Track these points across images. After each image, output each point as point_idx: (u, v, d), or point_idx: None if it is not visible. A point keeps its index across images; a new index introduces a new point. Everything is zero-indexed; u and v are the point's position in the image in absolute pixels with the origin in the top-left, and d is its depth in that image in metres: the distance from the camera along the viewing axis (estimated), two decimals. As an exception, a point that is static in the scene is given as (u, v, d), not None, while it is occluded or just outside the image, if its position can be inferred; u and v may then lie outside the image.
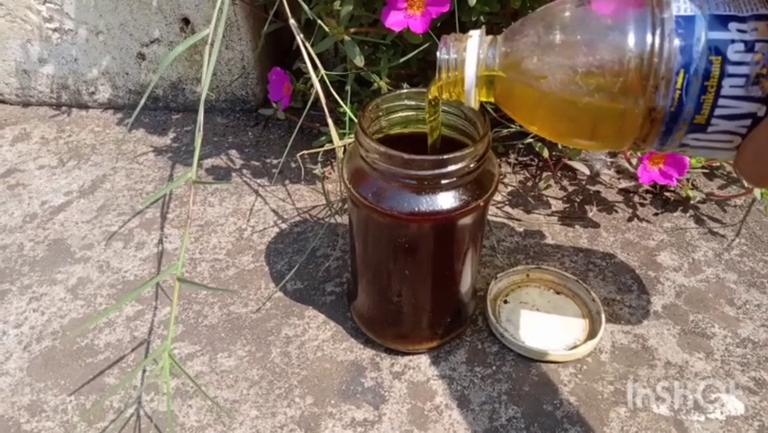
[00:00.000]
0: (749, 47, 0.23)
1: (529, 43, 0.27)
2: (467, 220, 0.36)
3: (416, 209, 0.34)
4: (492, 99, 0.30)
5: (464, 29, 0.43)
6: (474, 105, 0.31)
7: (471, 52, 0.29)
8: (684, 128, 0.25)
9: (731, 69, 0.23)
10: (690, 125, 0.25)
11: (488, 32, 0.31)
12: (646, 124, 0.26)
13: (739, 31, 0.23)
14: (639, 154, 0.51)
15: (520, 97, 0.29)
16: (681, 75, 0.24)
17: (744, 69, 0.23)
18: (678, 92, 0.24)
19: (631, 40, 0.25)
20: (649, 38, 0.24)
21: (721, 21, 0.24)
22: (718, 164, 0.58)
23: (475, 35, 0.29)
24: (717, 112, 0.24)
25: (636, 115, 0.25)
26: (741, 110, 0.24)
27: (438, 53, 0.30)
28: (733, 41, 0.23)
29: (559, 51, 0.26)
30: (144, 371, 0.42)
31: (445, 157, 0.33)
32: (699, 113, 0.25)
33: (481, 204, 0.35)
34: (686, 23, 0.24)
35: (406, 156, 0.33)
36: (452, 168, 0.33)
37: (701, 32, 0.24)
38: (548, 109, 0.28)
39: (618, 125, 0.26)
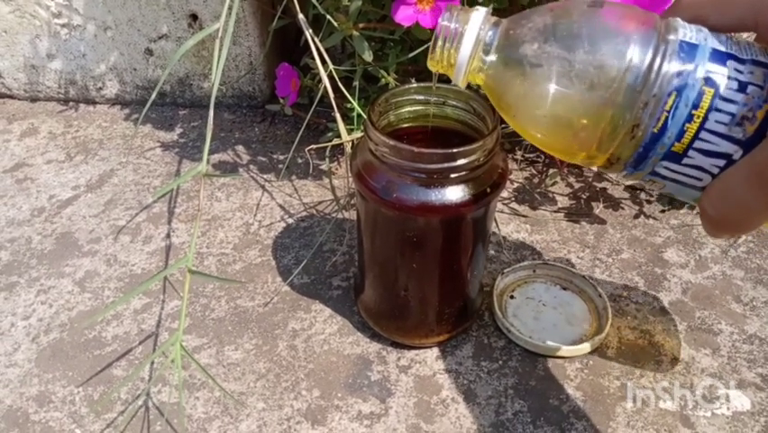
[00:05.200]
0: (742, 87, 0.24)
1: (533, 30, 0.27)
2: (475, 214, 0.36)
3: (425, 202, 0.34)
4: (481, 81, 0.30)
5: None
6: (462, 83, 0.30)
7: (473, 27, 0.28)
8: (661, 153, 0.25)
9: (720, 105, 0.24)
10: (668, 152, 0.25)
11: None
12: (626, 141, 0.26)
13: (736, 70, 0.24)
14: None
15: (510, 84, 0.28)
16: (673, 97, 0.24)
17: (732, 108, 0.24)
18: (665, 114, 0.24)
19: (633, 50, 0.25)
20: (651, 53, 0.25)
21: (722, 56, 0.24)
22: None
23: (482, 11, 0.29)
24: (697, 144, 0.25)
25: (619, 127, 0.25)
26: (719, 148, 0.24)
27: (440, 19, 0.29)
28: (728, 78, 0.24)
29: (560, 43, 0.26)
30: (152, 363, 0.43)
31: (455, 151, 0.33)
32: (679, 140, 0.25)
33: (490, 198, 0.36)
34: (689, 48, 0.24)
35: (415, 149, 0.33)
36: (461, 162, 0.34)
37: (701, 61, 0.24)
38: (533, 103, 0.27)
39: (598, 135, 0.26)
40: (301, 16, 0.48)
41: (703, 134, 0.24)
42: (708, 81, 0.24)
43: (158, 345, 0.44)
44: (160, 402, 0.40)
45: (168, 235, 0.53)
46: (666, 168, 0.26)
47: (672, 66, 0.24)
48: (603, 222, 0.53)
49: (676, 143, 0.25)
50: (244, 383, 0.41)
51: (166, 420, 0.39)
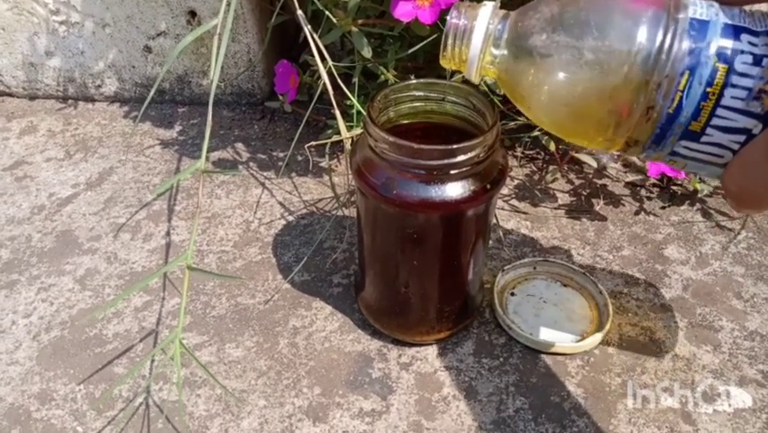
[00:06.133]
0: (757, 60, 0.23)
1: (541, 20, 0.27)
2: (475, 210, 0.36)
3: (425, 199, 0.34)
4: (494, 75, 0.30)
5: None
6: (475, 78, 0.30)
7: (481, 22, 0.28)
8: (679, 133, 0.25)
9: (735, 80, 0.23)
10: (685, 131, 0.25)
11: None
12: (642, 123, 0.25)
13: (750, 43, 0.23)
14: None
15: (522, 76, 0.28)
16: (686, 77, 0.24)
17: (747, 82, 0.23)
18: (679, 94, 0.24)
19: (643, 32, 0.24)
20: (661, 34, 0.24)
21: (734, 31, 0.24)
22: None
23: (489, 5, 0.29)
24: (714, 122, 0.24)
25: (634, 110, 0.25)
26: (737, 124, 0.24)
27: (448, 17, 0.29)
28: (742, 52, 0.23)
29: (569, 31, 0.26)
30: (153, 360, 0.43)
31: (455, 147, 0.33)
32: (696, 119, 0.24)
33: (490, 194, 0.35)
34: (700, 26, 0.24)
35: (415, 146, 0.33)
36: (461, 158, 0.33)
37: (713, 37, 0.24)
38: (546, 93, 0.27)
39: (613, 120, 0.26)
40: (300, 13, 0.47)
41: (720, 111, 0.24)
42: (722, 57, 0.24)
43: (158, 342, 0.44)
44: (161, 400, 0.40)
45: (168, 233, 0.53)
46: (685, 147, 0.26)
47: (683, 45, 0.24)
48: (604, 219, 0.53)
49: (693, 122, 0.25)
50: (245, 381, 0.41)
51: (166, 418, 0.39)
